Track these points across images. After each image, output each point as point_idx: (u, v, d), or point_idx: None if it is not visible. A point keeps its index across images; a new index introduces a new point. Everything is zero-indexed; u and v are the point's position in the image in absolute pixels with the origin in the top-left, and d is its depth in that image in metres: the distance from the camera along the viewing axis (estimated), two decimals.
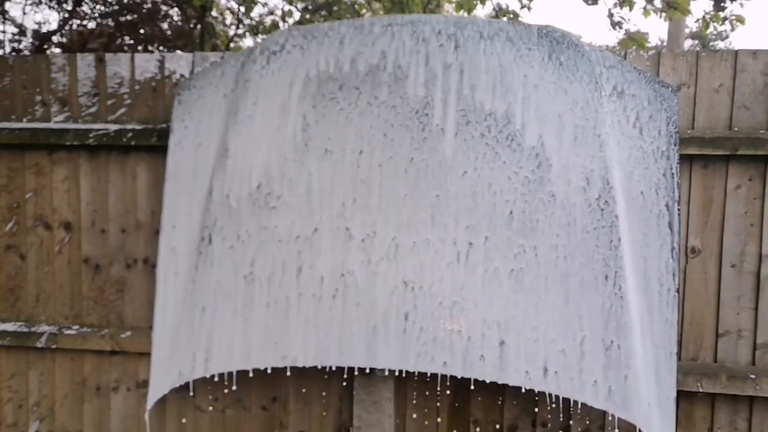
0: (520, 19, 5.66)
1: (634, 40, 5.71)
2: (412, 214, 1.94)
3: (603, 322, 1.89)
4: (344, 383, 2.35)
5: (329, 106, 1.99)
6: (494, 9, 5.69)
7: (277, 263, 2.02)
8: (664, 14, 5.39)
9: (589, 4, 5.64)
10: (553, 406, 2.23)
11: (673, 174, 1.99)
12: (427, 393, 2.32)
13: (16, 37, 6.66)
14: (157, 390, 2.25)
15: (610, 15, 5.89)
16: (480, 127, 1.91)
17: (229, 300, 2.07)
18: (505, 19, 5.58)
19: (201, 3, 5.71)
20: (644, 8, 5.43)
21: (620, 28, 5.94)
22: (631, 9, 5.48)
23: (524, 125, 1.90)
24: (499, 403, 2.29)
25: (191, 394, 2.42)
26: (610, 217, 1.88)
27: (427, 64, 1.95)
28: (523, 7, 5.31)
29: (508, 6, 5.63)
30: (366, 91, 1.97)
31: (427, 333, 1.93)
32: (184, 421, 2.45)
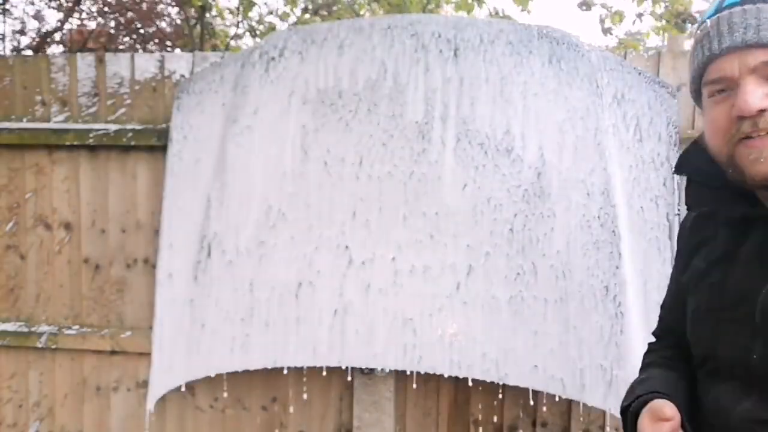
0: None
1: (625, 47, 5.74)
2: (412, 232, 1.91)
3: (603, 345, 1.84)
4: (344, 383, 2.35)
5: (329, 114, 1.96)
6: (490, 14, 5.69)
7: (276, 281, 1.99)
8: (663, 32, 5.46)
9: (584, 10, 5.67)
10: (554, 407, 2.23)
11: (673, 176, 1.98)
12: (427, 393, 2.32)
13: (17, 36, 6.67)
14: (157, 392, 2.26)
15: (602, 21, 5.92)
16: (479, 137, 1.87)
17: (228, 317, 2.04)
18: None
19: (201, 3, 5.70)
20: (636, 19, 5.49)
21: (611, 34, 5.98)
22: (621, 22, 5.53)
23: (524, 136, 1.86)
24: (499, 403, 2.29)
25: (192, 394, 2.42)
26: (610, 232, 1.84)
27: (427, 72, 1.91)
28: (523, 10, 5.31)
29: (504, 10, 5.65)
30: (366, 98, 1.94)
31: (425, 361, 1.93)
32: (184, 421, 2.45)
